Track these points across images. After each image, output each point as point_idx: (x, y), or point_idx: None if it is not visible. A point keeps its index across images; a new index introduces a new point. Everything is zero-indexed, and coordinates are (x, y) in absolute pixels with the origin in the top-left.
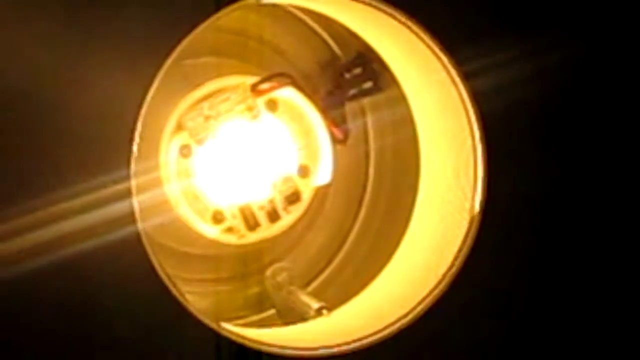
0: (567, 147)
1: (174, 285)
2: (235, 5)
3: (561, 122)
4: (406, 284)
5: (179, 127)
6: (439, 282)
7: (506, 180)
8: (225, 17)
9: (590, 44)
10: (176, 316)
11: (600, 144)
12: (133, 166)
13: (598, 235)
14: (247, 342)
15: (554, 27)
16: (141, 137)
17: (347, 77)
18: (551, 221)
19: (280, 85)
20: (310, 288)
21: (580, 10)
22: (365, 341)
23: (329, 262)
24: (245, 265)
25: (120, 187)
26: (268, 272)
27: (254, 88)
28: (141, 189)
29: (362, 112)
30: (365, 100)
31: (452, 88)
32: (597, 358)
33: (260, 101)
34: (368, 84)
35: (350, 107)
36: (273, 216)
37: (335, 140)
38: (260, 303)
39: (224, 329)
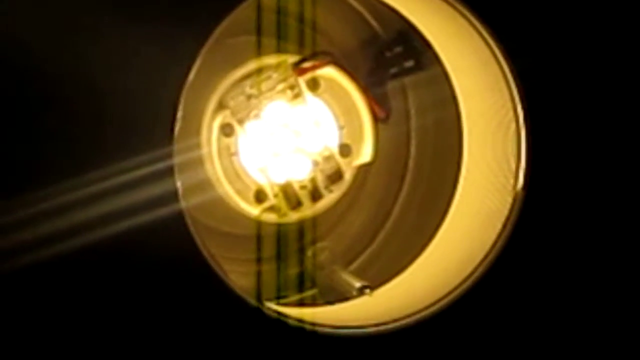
0: (611, 126)
1: (217, 264)
2: None
3: (606, 102)
4: (449, 262)
5: (221, 106)
6: (482, 261)
7: (550, 158)
8: None
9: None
10: (219, 295)
11: None
12: (175, 145)
13: None
14: (289, 321)
15: (601, 6)
16: (183, 116)
17: (388, 56)
18: (595, 199)
19: (322, 64)
20: (352, 267)
21: None
22: (408, 320)
23: (371, 241)
24: (286, 245)
25: (162, 165)
26: (310, 252)
27: (295, 67)
28: (183, 168)
29: (404, 91)
30: (407, 79)
31: (496, 66)
32: None
33: (302, 80)
34: (409, 63)
35: (391, 85)
36: (315, 195)
37: (376, 119)
38: (302, 282)
39: (266, 307)
